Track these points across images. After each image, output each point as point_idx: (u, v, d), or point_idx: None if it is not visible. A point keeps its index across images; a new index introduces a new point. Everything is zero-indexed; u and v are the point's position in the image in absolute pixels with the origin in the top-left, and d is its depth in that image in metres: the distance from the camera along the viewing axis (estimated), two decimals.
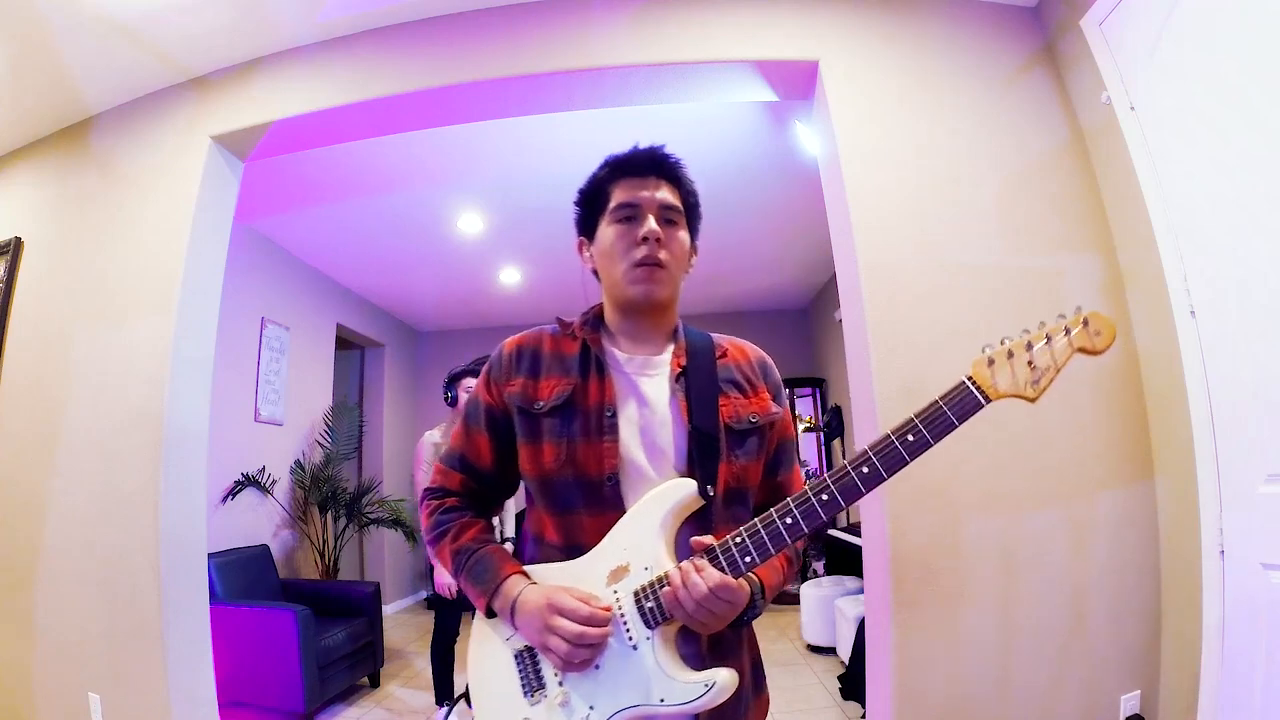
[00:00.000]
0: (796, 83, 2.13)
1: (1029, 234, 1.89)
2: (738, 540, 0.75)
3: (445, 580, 2.57)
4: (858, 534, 3.49)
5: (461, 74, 2.11)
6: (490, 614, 0.85)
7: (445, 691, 2.73)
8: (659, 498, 0.79)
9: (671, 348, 0.92)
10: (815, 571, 4.88)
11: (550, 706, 0.78)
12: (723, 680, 0.73)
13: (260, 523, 3.82)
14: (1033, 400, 0.71)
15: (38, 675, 2.12)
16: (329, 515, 4.21)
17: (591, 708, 0.76)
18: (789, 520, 0.75)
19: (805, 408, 5.67)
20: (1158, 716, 1.70)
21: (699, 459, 0.82)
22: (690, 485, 0.79)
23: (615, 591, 0.78)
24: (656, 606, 0.75)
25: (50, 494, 2.18)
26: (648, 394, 0.87)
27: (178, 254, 2.15)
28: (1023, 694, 1.70)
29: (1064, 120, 1.98)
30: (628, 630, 0.76)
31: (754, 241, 4.36)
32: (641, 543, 0.78)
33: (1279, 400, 1.39)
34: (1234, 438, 1.50)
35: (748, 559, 0.74)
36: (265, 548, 3.53)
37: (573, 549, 0.83)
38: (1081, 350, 0.70)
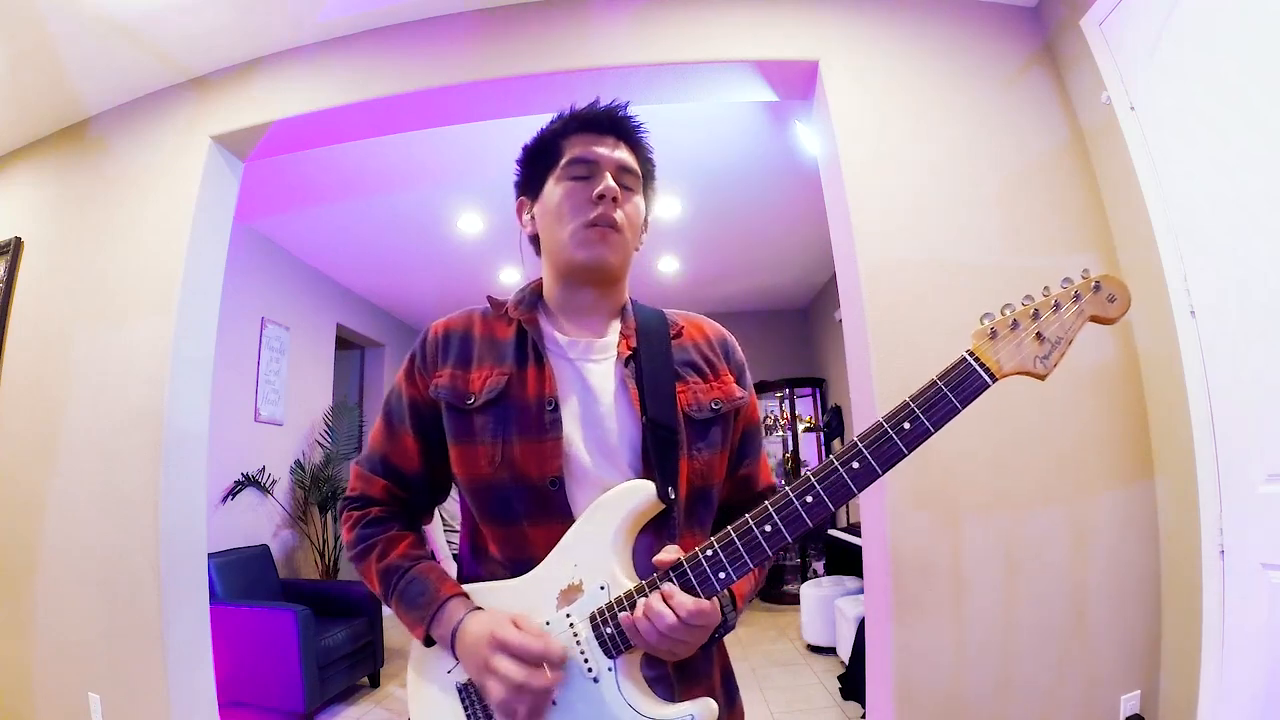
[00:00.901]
0: (796, 83, 2.13)
1: (1029, 234, 1.89)
2: (709, 554, 0.64)
3: None
4: (858, 534, 3.49)
5: (461, 74, 2.11)
6: (428, 642, 0.74)
7: None
8: (612, 504, 0.68)
9: (618, 327, 0.82)
10: (815, 571, 4.88)
11: None
12: (702, 714, 0.64)
13: (260, 523, 3.82)
14: (1043, 378, 0.62)
15: (38, 675, 2.12)
16: (329, 515, 4.21)
17: None
18: (768, 528, 0.63)
19: (805, 408, 5.67)
20: (1158, 716, 1.70)
21: (656, 456, 0.72)
22: (648, 488, 0.68)
23: (568, 615, 0.67)
24: (617, 633, 0.65)
25: (50, 494, 2.18)
26: (593, 382, 0.77)
27: (178, 254, 2.15)
28: (1023, 694, 1.70)
29: (1064, 120, 1.98)
30: (586, 660, 0.66)
31: (754, 241, 4.36)
32: (594, 557, 0.67)
33: (1279, 400, 1.39)
34: (1234, 438, 1.50)
35: (722, 575, 0.63)
36: (265, 548, 3.53)
37: (518, 564, 0.72)
38: (1094, 319, 0.62)
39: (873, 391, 1.79)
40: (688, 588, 0.64)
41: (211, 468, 2.33)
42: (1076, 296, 0.62)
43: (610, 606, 0.66)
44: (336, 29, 2.20)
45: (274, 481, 3.89)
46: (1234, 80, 1.44)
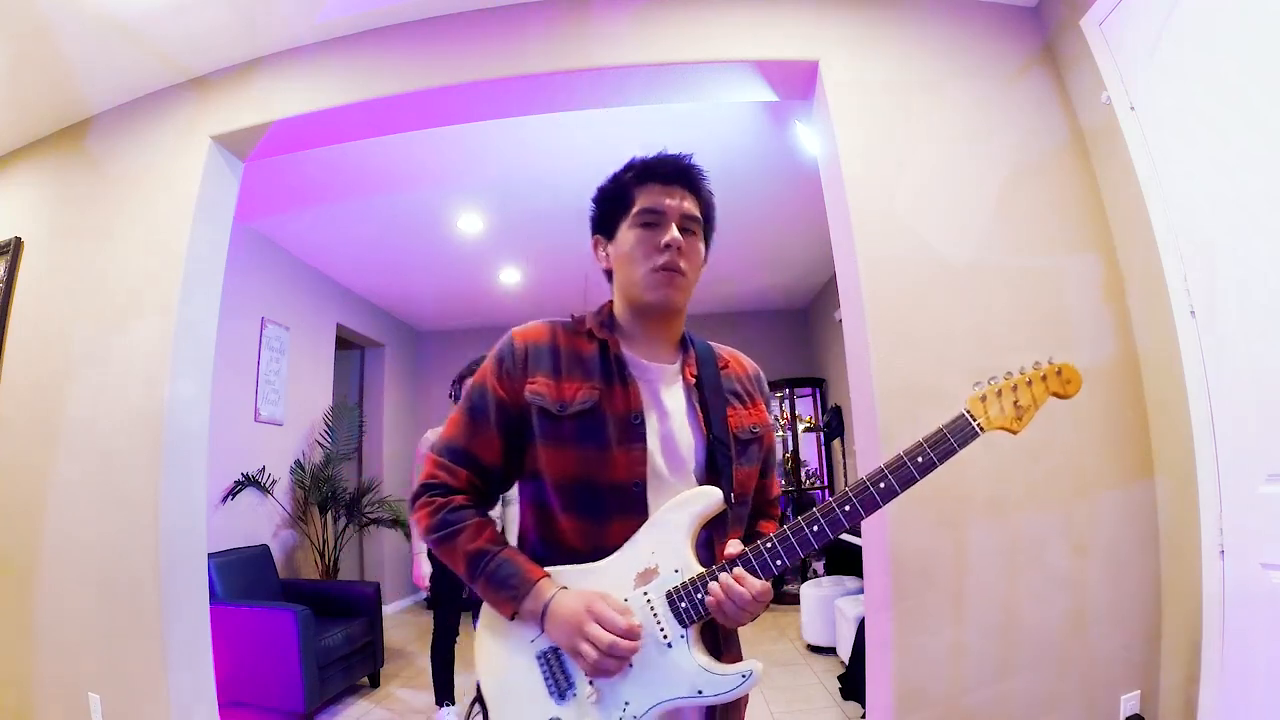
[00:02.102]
0: (796, 83, 2.13)
1: (1029, 234, 1.89)
2: (768, 545, 0.81)
3: (423, 572, 2.70)
4: (858, 534, 3.49)
5: (461, 74, 2.11)
6: (512, 616, 0.85)
7: (445, 691, 2.73)
8: (687, 504, 0.84)
9: (682, 357, 0.97)
10: (815, 571, 4.88)
11: (581, 705, 0.81)
12: (758, 669, 0.80)
13: (260, 523, 3.82)
14: (1015, 433, 0.83)
15: (38, 675, 2.12)
16: (329, 515, 4.22)
17: (627, 703, 0.80)
18: (815, 528, 0.81)
19: (805, 408, 5.66)
20: (1158, 716, 1.70)
21: (719, 467, 0.87)
22: (718, 494, 0.84)
23: (645, 593, 0.82)
24: (691, 607, 0.80)
25: (50, 494, 2.18)
26: (666, 402, 0.91)
27: (178, 254, 2.15)
28: (1023, 694, 1.70)
29: (1064, 120, 1.98)
30: (661, 629, 0.81)
31: (754, 241, 4.36)
32: (670, 547, 0.83)
33: (1279, 400, 1.39)
34: (1234, 438, 1.50)
35: (779, 562, 0.81)
36: (265, 548, 3.53)
37: (596, 552, 0.85)
38: (1054, 394, 0.83)
39: (873, 391, 1.79)
40: (751, 571, 0.80)
41: (211, 468, 2.33)
42: (1044, 378, 0.83)
43: (686, 585, 0.81)
44: (336, 29, 2.20)
45: (274, 481, 3.89)
46: (1234, 80, 1.44)
